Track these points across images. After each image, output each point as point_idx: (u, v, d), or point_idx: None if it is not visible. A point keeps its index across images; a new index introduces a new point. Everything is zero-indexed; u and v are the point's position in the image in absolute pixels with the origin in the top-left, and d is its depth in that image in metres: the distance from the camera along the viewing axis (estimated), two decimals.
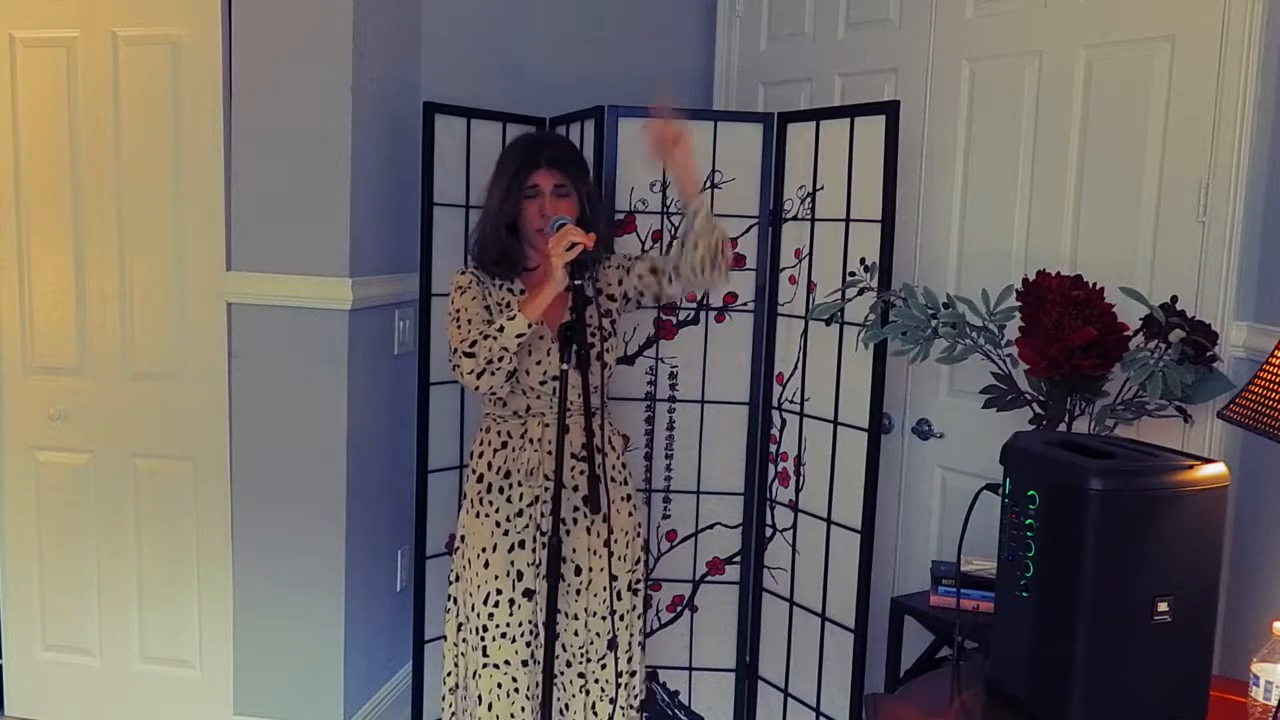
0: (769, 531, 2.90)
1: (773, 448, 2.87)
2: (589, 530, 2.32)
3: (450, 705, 2.44)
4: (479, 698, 2.32)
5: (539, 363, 2.28)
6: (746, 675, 2.96)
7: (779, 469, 2.86)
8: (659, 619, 2.94)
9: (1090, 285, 2.18)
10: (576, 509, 2.30)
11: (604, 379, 2.34)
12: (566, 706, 2.36)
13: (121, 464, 2.94)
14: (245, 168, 2.76)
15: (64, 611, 3.02)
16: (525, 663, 2.31)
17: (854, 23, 3.01)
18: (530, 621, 2.30)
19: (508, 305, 2.31)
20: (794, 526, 2.82)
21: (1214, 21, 2.23)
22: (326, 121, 2.72)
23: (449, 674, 2.43)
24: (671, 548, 2.92)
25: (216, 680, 2.95)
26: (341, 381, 2.77)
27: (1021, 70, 2.58)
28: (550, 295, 2.15)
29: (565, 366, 2.07)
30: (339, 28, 2.69)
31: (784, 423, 2.83)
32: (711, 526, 2.92)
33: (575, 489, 2.28)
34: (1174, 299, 2.15)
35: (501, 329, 2.16)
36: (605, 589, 2.34)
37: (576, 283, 2.11)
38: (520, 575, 2.30)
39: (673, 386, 2.87)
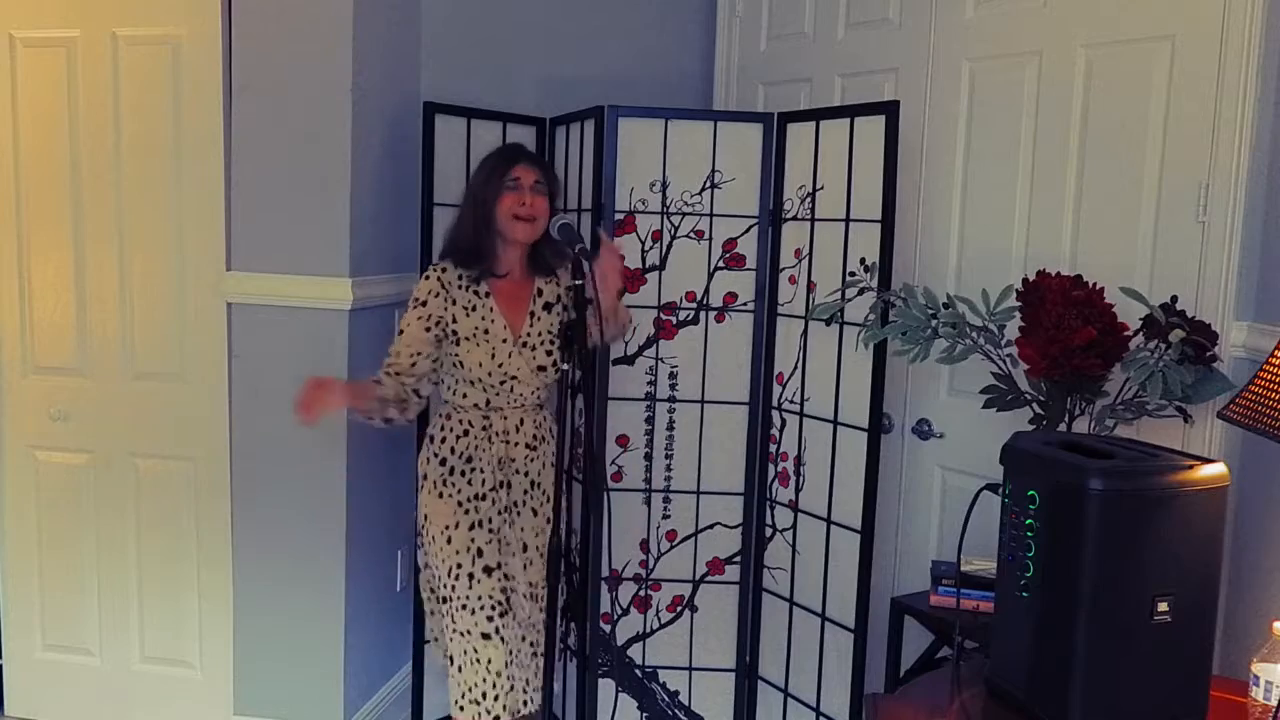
0: (769, 531, 2.90)
1: (773, 448, 2.87)
2: (534, 512, 2.49)
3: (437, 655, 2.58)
4: (451, 659, 2.44)
5: (500, 365, 2.43)
6: (746, 675, 2.96)
7: (779, 469, 2.86)
8: (659, 619, 2.94)
9: (1090, 285, 2.18)
10: (525, 492, 2.48)
11: (544, 381, 2.50)
12: (528, 683, 2.45)
13: (121, 464, 2.94)
14: (245, 168, 2.76)
15: (64, 611, 3.02)
16: (486, 635, 2.38)
17: (854, 23, 3.01)
18: (490, 596, 2.40)
19: (473, 309, 2.43)
20: (794, 526, 2.82)
21: (1214, 21, 2.23)
22: (326, 121, 2.72)
23: (428, 626, 2.60)
24: (671, 548, 2.92)
25: (216, 680, 2.95)
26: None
27: (1021, 70, 2.58)
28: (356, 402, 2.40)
29: (565, 366, 2.20)
30: (339, 28, 2.69)
31: (784, 423, 2.83)
32: (711, 526, 2.92)
33: (525, 474, 2.48)
34: (1174, 299, 2.15)
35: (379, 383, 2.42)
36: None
37: (577, 283, 2.20)
38: (480, 552, 2.42)
39: (673, 386, 2.87)
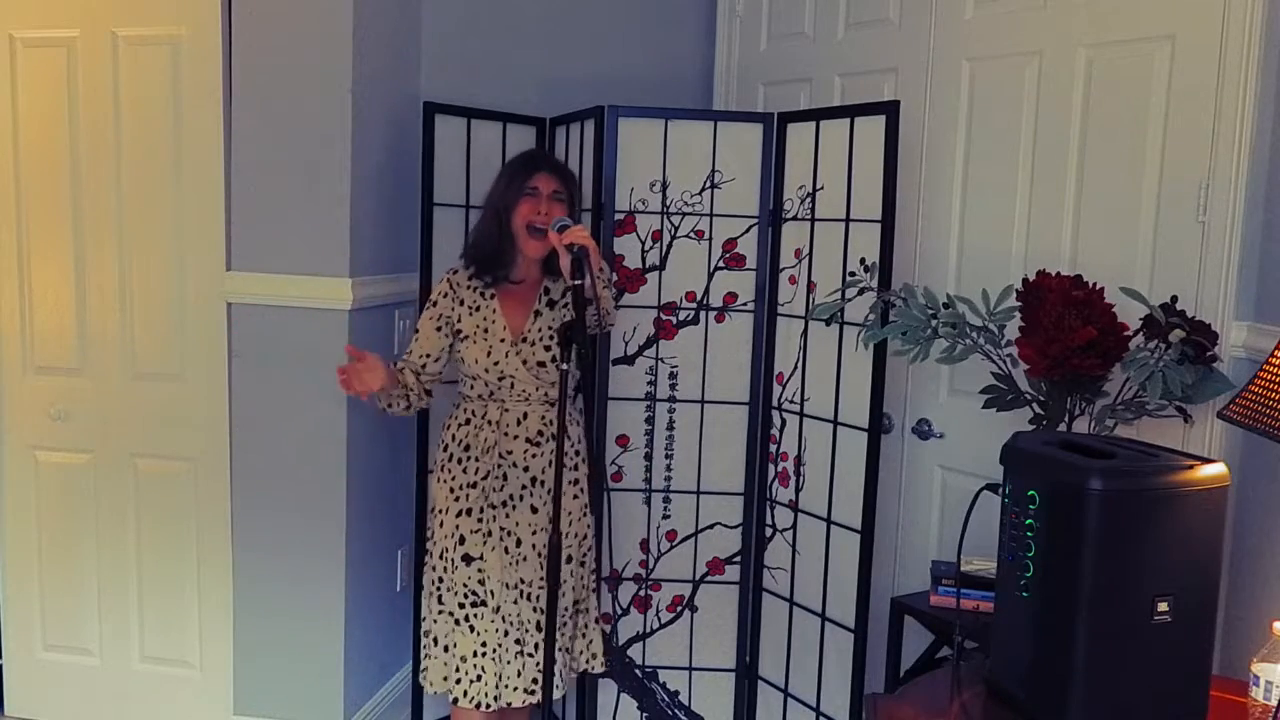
0: (769, 531, 2.90)
1: (773, 448, 2.87)
2: (533, 508, 2.50)
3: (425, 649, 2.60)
4: (435, 639, 2.52)
5: (496, 363, 2.48)
6: (746, 675, 2.96)
7: (779, 469, 2.86)
8: (659, 619, 2.94)
9: (1090, 285, 2.18)
10: (524, 487, 2.50)
11: (546, 379, 2.51)
12: (500, 676, 2.46)
13: (121, 464, 2.94)
14: (245, 168, 2.76)
15: (64, 611, 3.02)
16: (457, 621, 2.47)
17: (854, 23, 3.01)
18: (465, 585, 2.48)
19: (477, 309, 2.51)
20: (794, 526, 2.82)
21: (1214, 21, 2.23)
22: (326, 121, 2.72)
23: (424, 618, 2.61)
24: (671, 548, 2.92)
25: (216, 680, 2.95)
26: None
27: (1021, 70, 2.58)
28: None
29: (564, 366, 2.23)
30: (339, 28, 2.69)
31: (784, 423, 2.83)
32: (711, 526, 2.92)
33: (525, 469, 2.50)
34: (1174, 299, 2.15)
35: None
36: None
37: (576, 282, 2.23)
38: (463, 539, 2.49)
39: (673, 386, 2.87)
